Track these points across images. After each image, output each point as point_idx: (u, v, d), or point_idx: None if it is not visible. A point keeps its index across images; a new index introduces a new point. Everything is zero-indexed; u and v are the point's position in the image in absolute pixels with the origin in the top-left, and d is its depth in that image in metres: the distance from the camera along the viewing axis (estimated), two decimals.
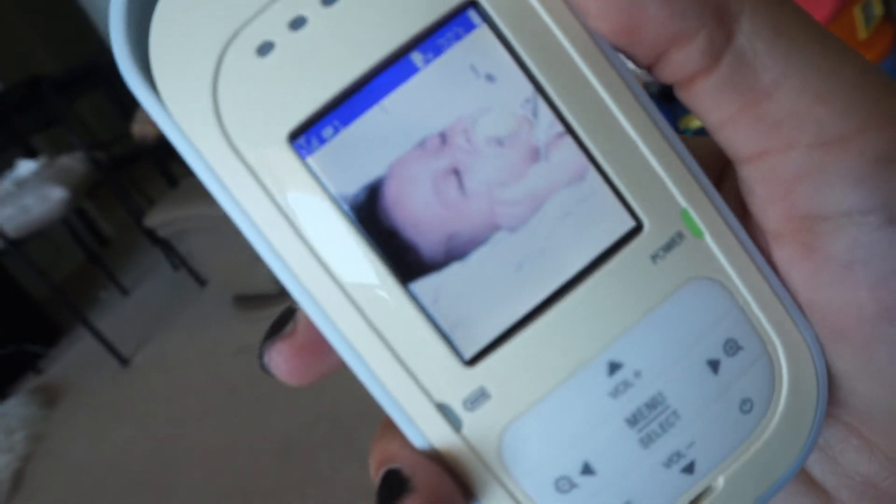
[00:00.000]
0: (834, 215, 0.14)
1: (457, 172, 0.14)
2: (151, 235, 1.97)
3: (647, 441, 0.15)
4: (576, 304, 0.15)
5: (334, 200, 0.14)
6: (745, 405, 0.15)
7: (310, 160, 0.14)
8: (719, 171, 0.17)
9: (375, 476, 0.15)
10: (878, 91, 0.13)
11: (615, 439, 0.15)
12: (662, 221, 0.15)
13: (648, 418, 0.15)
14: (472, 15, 0.14)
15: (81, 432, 1.73)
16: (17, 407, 1.91)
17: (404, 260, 0.14)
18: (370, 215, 0.14)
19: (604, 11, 0.14)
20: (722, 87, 0.14)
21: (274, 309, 1.64)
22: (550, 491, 0.15)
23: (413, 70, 0.14)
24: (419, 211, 0.14)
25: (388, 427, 0.16)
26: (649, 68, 0.15)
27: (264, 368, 0.15)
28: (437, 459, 0.15)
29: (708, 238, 0.15)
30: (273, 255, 0.14)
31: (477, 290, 0.15)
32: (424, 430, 0.15)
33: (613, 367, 0.15)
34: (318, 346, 0.15)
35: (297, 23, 0.14)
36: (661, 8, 0.13)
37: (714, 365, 0.15)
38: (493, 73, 0.14)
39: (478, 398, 0.15)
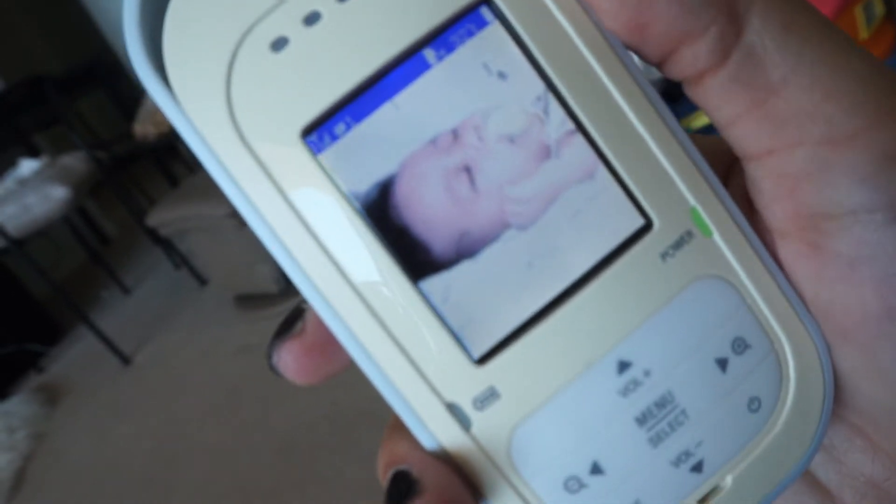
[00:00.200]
0: (840, 213, 0.14)
1: (468, 170, 0.14)
2: (153, 235, 1.97)
3: (656, 440, 0.15)
4: (585, 303, 0.15)
5: (346, 197, 0.14)
6: (753, 404, 0.15)
7: (322, 157, 0.14)
8: (726, 169, 0.17)
9: (384, 477, 0.15)
10: (885, 88, 0.13)
11: (624, 438, 0.15)
12: (672, 220, 0.15)
13: (657, 417, 0.15)
14: (485, 12, 0.14)
15: (83, 431, 1.73)
16: (19, 406, 1.91)
17: (414, 258, 0.14)
18: (381, 212, 0.14)
19: (615, 9, 0.14)
20: (731, 84, 0.14)
21: (275, 308, 1.64)
22: (560, 491, 0.15)
23: (425, 67, 0.14)
24: (430, 208, 0.14)
25: (396, 428, 0.16)
26: (659, 65, 0.15)
27: (273, 368, 0.15)
28: (447, 459, 0.15)
29: (717, 236, 0.15)
30: (283, 252, 0.14)
31: (487, 289, 0.15)
32: (434, 429, 0.15)
33: (623, 366, 0.15)
34: (327, 345, 0.15)
35: (312, 18, 0.14)
36: (671, 5, 0.13)
37: (722, 363, 0.15)
38: (505, 70, 0.14)
39: (487, 397, 0.15)
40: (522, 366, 0.15)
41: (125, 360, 1.91)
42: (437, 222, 0.14)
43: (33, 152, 2.32)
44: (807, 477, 0.17)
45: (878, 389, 0.15)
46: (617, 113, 0.15)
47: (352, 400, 1.22)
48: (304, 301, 0.15)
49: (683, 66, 0.14)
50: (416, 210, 0.14)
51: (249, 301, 1.75)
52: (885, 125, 0.13)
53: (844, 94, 0.13)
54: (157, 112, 1.85)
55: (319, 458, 1.23)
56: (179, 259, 2.15)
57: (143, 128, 1.87)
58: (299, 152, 0.14)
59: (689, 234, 0.15)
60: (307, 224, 0.14)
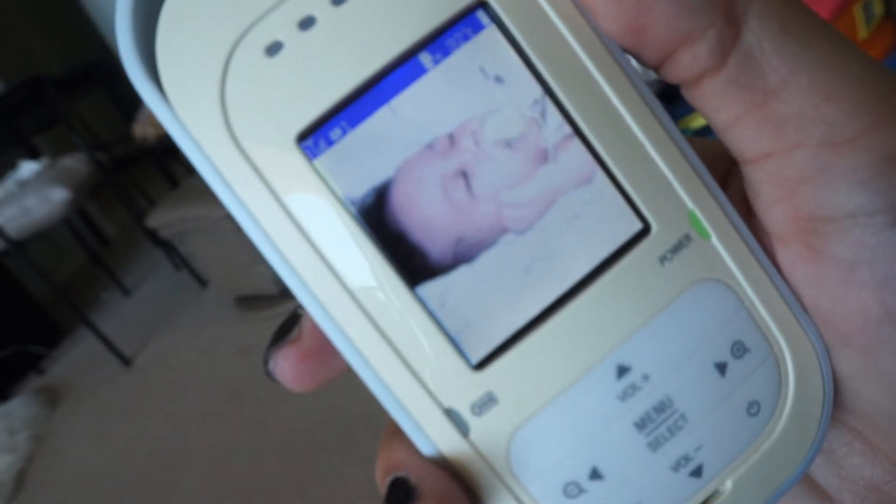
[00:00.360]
0: (839, 216, 0.14)
1: (465, 174, 0.14)
2: (153, 236, 1.97)
3: (655, 445, 0.15)
4: (583, 308, 0.15)
5: (342, 202, 0.14)
6: (753, 408, 0.15)
7: (317, 162, 0.14)
8: (725, 172, 0.17)
9: (382, 484, 0.15)
10: (884, 90, 0.13)
11: (623, 443, 0.15)
12: (670, 223, 0.15)
13: (657, 422, 0.15)
14: (481, 15, 0.14)
15: (83, 432, 1.73)
16: (19, 407, 1.91)
17: (411, 263, 0.14)
18: (377, 218, 0.14)
19: (612, 12, 0.14)
20: (729, 87, 0.14)
21: (275, 309, 1.64)
22: (559, 496, 0.15)
23: (422, 71, 0.14)
24: (427, 213, 0.14)
25: (394, 434, 0.15)
26: (657, 68, 0.14)
27: (269, 375, 0.15)
28: (445, 465, 0.15)
29: (715, 240, 0.15)
30: (279, 258, 0.14)
31: (484, 294, 0.14)
32: (432, 435, 0.15)
33: (622, 371, 0.15)
34: (324, 351, 0.15)
35: (307, 23, 0.14)
36: (669, 7, 0.13)
37: (721, 367, 0.15)
38: (502, 74, 0.14)
39: (485, 403, 0.15)
40: (520, 371, 0.15)
41: (125, 361, 1.91)
42: (434, 227, 0.14)
43: (33, 154, 2.33)
44: (806, 480, 0.17)
45: (878, 393, 0.15)
46: (614, 116, 0.14)
47: (351, 401, 1.22)
48: (300, 307, 0.15)
49: (681, 68, 0.14)
50: (412, 215, 0.14)
51: (249, 302, 1.75)
52: (885, 128, 0.13)
53: (843, 96, 0.13)
54: None
55: (319, 459, 1.23)
56: (179, 260, 2.15)
57: (143, 129, 1.87)
58: (295, 157, 0.14)
59: (688, 237, 0.15)
60: (303, 229, 0.14)
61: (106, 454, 1.61)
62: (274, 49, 0.14)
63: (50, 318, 2.35)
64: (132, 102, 2.10)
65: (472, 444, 0.15)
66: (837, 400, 0.16)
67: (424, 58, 0.14)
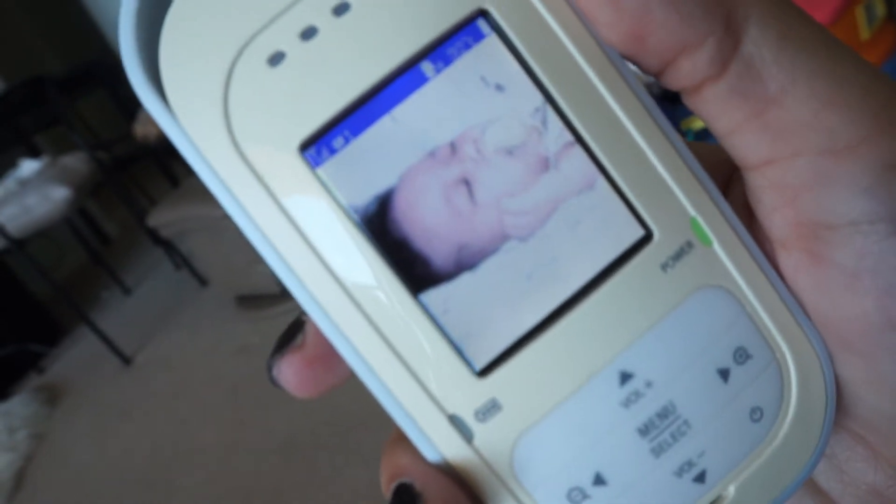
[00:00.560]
0: (841, 224, 0.14)
1: (467, 182, 0.14)
2: (154, 235, 1.97)
3: (658, 451, 0.15)
4: (586, 314, 0.15)
5: (345, 211, 0.14)
6: (755, 413, 0.15)
7: (320, 170, 0.14)
8: (726, 177, 0.17)
9: (387, 490, 0.15)
10: (885, 98, 0.13)
11: (627, 449, 0.15)
12: (672, 230, 0.15)
13: (660, 428, 0.15)
14: (482, 24, 0.14)
15: (83, 431, 1.73)
16: (19, 406, 1.92)
17: (414, 271, 0.14)
18: (380, 226, 0.14)
19: (613, 20, 0.14)
20: (729, 95, 0.14)
21: (276, 309, 1.64)
22: (563, 502, 0.15)
23: (423, 80, 0.14)
24: (429, 221, 0.14)
25: (399, 440, 0.16)
26: (657, 76, 0.15)
27: (273, 381, 0.15)
28: (449, 471, 0.15)
29: (717, 246, 0.15)
30: (283, 265, 0.14)
31: (487, 301, 0.14)
32: (436, 441, 0.15)
33: (625, 377, 0.15)
34: (328, 358, 0.15)
35: (308, 33, 0.14)
36: (669, 15, 0.13)
37: (724, 373, 0.15)
38: (503, 82, 0.14)
39: (489, 409, 0.15)
40: (524, 377, 0.15)
41: (126, 360, 1.91)
42: (437, 235, 0.14)
43: (34, 153, 2.33)
44: (809, 485, 0.17)
45: (880, 398, 0.15)
46: (615, 123, 0.14)
47: (353, 401, 1.22)
48: (304, 313, 0.15)
49: (681, 76, 0.14)
50: (415, 223, 0.14)
51: (250, 301, 1.75)
52: (886, 136, 0.13)
53: (844, 104, 0.13)
54: None
55: (320, 459, 1.23)
56: (180, 259, 2.15)
57: (143, 128, 1.87)
58: (298, 166, 0.14)
59: (690, 244, 0.15)
60: (306, 237, 0.14)
61: (106, 453, 1.61)
62: (276, 59, 0.14)
63: (50, 316, 2.35)
64: (133, 102, 2.10)
65: (476, 451, 0.15)
66: (840, 405, 0.16)
67: (426, 67, 0.14)
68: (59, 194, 1.90)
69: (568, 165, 0.14)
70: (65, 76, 2.21)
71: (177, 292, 2.15)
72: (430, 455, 0.15)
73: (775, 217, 0.15)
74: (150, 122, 1.84)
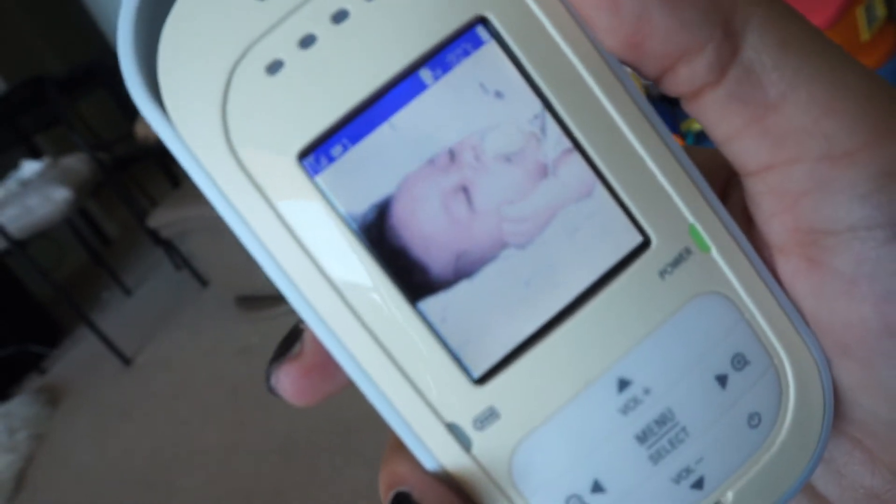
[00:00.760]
0: (839, 230, 0.14)
1: (465, 190, 0.14)
2: (154, 236, 1.97)
3: (656, 457, 0.15)
4: (584, 322, 0.15)
5: (343, 219, 0.14)
6: (753, 419, 0.15)
7: (319, 179, 0.14)
8: (725, 182, 0.17)
9: (385, 499, 0.15)
10: (883, 104, 0.13)
11: (625, 456, 0.15)
12: (670, 237, 0.15)
13: (658, 435, 0.15)
14: (481, 31, 0.14)
15: (84, 432, 1.73)
16: (20, 407, 1.92)
17: (413, 279, 0.14)
18: (378, 234, 0.14)
19: (612, 26, 0.14)
20: (729, 100, 0.14)
21: (276, 309, 1.64)
22: None
23: (422, 87, 0.14)
24: (428, 229, 0.14)
25: (397, 448, 0.16)
26: (656, 81, 0.15)
27: (271, 390, 0.15)
28: (447, 480, 0.15)
29: (715, 253, 0.15)
30: (281, 274, 0.14)
31: (485, 308, 0.15)
32: (434, 450, 0.15)
33: (623, 384, 0.15)
34: (326, 366, 0.15)
35: (307, 41, 0.14)
36: (668, 22, 0.13)
37: (722, 380, 0.15)
38: (502, 89, 0.14)
39: (487, 417, 0.15)
40: (522, 385, 0.15)
41: (126, 361, 1.91)
42: (435, 242, 0.14)
43: (35, 153, 2.33)
44: (807, 490, 0.17)
45: (878, 403, 0.15)
46: (613, 130, 0.15)
47: (354, 402, 1.22)
48: (301, 322, 0.15)
49: (681, 82, 0.14)
50: (413, 231, 0.14)
51: (250, 302, 1.75)
52: (885, 143, 0.13)
53: (842, 110, 0.13)
54: None
55: (320, 459, 1.23)
56: (180, 260, 2.15)
57: (144, 129, 1.87)
58: (296, 174, 0.14)
59: (688, 250, 0.15)
60: (304, 245, 0.14)
61: (106, 454, 1.61)
62: (275, 67, 0.14)
63: (51, 317, 2.35)
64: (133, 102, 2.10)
65: (474, 459, 0.15)
66: (838, 410, 0.16)
67: (425, 74, 0.14)
68: (60, 195, 1.90)
69: (566, 172, 0.14)
70: (65, 76, 2.21)
71: (177, 293, 2.15)
72: (429, 463, 0.15)
73: (774, 223, 0.15)
74: None
